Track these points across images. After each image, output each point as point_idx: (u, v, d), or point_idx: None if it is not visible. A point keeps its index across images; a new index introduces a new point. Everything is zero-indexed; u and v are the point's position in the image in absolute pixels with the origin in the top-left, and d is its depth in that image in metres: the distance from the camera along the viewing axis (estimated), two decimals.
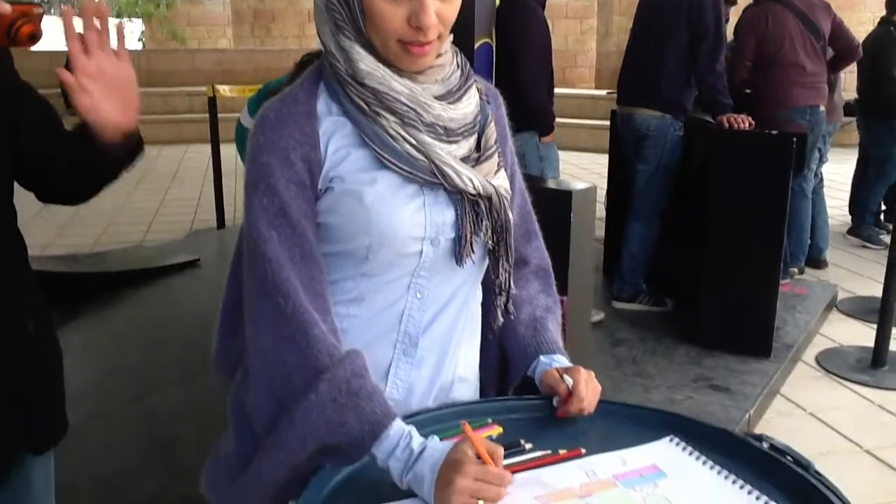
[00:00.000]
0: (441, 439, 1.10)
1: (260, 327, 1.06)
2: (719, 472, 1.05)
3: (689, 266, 3.93)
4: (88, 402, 3.07)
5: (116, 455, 2.78)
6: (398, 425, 1.02)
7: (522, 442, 1.14)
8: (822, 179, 5.11)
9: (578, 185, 2.66)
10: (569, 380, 1.19)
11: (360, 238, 1.10)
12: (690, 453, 1.10)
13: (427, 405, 1.21)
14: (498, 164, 1.19)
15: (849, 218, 6.07)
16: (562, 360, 1.27)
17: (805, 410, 3.41)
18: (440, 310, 1.19)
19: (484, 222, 1.16)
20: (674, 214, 4.08)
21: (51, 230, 6.11)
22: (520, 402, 1.25)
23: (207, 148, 6.25)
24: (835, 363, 3.87)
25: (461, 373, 1.26)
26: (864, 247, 5.82)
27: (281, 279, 1.05)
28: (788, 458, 1.08)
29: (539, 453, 1.11)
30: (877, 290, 4.81)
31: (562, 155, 4.57)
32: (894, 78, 5.31)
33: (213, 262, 4.80)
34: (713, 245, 3.68)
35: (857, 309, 4.60)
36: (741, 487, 1.02)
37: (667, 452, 1.11)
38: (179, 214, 6.80)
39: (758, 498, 0.99)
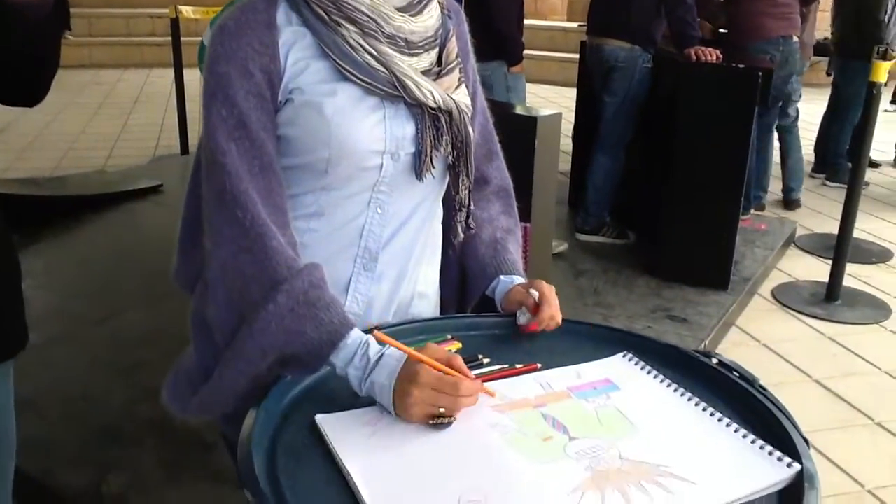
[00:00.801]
0: None
1: (218, 240, 1.06)
2: (669, 386, 1.09)
3: (653, 199, 3.97)
4: (51, 325, 3.06)
5: (79, 377, 2.78)
6: (356, 334, 1.03)
7: (480, 357, 1.17)
8: (797, 117, 5.14)
9: (543, 111, 2.66)
10: (535, 293, 1.21)
11: (319, 151, 1.10)
12: (643, 368, 1.14)
13: (387, 320, 1.23)
14: (459, 79, 1.19)
15: (812, 157, 6.14)
16: (519, 280, 1.29)
17: (759, 342, 3.51)
18: (400, 225, 1.20)
19: (444, 137, 1.16)
20: (639, 148, 4.10)
21: (10, 154, 5.97)
22: (479, 320, 1.27)
23: (170, 72, 6.11)
24: (790, 297, 3.97)
25: (421, 289, 1.27)
26: (823, 185, 5.91)
27: (239, 191, 1.04)
28: (735, 373, 1.12)
29: (496, 367, 1.14)
30: (834, 228, 4.92)
31: (530, 87, 4.55)
32: (880, 22, 5.31)
33: (176, 187, 4.74)
34: (676, 178, 3.72)
35: (815, 245, 4.70)
36: (689, 400, 1.05)
37: (620, 367, 1.15)
38: (142, 140, 6.67)
39: (704, 409, 1.03)
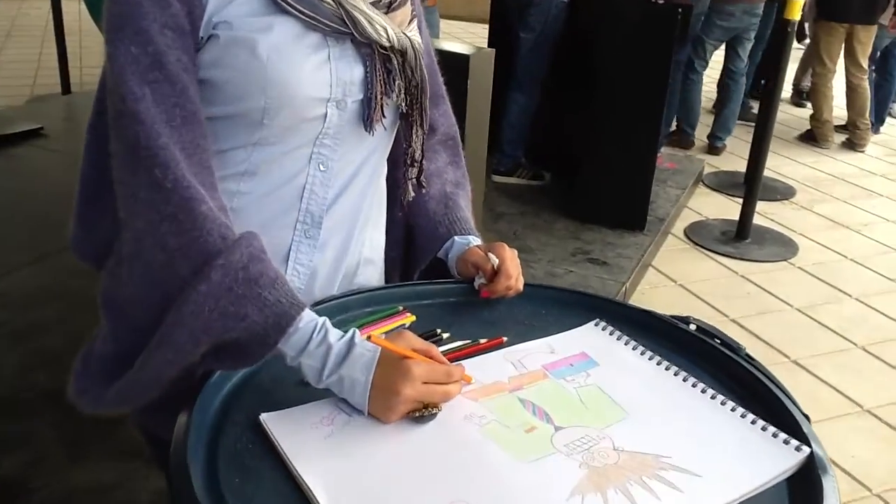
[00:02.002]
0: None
1: (134, 206, 0.87)
2: (651, 358, 0.99)
3: (568, 139, 3.89)
4: None
5: None
6: (309, 316, 0.88)
7: (439, 331, 1.04)
8: (747, 65, 5.14)
9: (475, 47, 2.50)
10: (494, 258, 1.09)
11: (253, 98, 0.92)
12: (619, 338, 1.04)
13: (332, 293, 1.08)
14: (412, 13, 1.03)
15: (714, 94, 6.20)
16: (476, 241, 1.16)
17: (675, 282, 3.53)
18: (346, 184, 1.04)
19: (396, 81, 1.01)
20: (554, 85, 4.00)
21: None
22: (433, 287, 1.14)
23: (46, 4, 5.57)
24: (702, 236, 4.00)
25: (368, 255, 1.13)
26: None
27: (158, 147, 0.86)
28: (717, 340, 1.03)
29: (459, 343, 1.02)
30: (739, 165, 5.00)
31: None
32: None
33: (59, 130, 4.35)
34: (593, 117, 3.64)
35: (722, 183, 4.76)
36: (675, 374, 0.96)
37: (594, 338, 1.04)
38: (17, 78, 6.11)
39: (694, 385, 0.94)
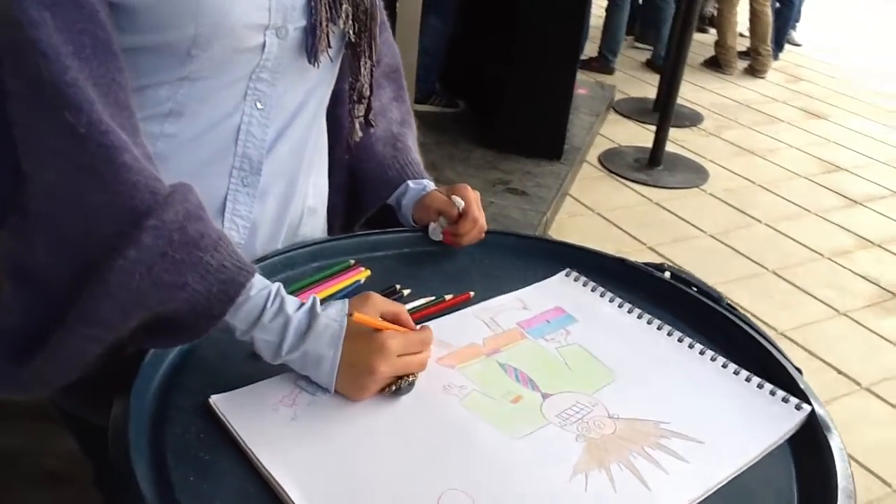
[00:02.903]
0: (293, 291, 0.87)
1: (40, 156, 0.72)
2: (630, 311, 0.92)
3: (483, 66, 3.78)
4: None
5: None
6: (260, 283, 0.76)
7: (398, 287, 0.94)
8: None
9: None
10: (459, 201, 0.98)
11: (180, 26, 0.77)
12: (593, 289, 0.96)
13: (275, 248, 0.96)
14: None
15: None
16: (432, 185, 1.06)
17: (593, 210, 3.51)
18: (287, 124, 0.91)
19: (343, 6, 0.87)
20: (469, 11, 3.84)
21: None
22: (385, 237, 1.03)
23: None
24: (616, 163, 3.99)
25: (312, 203, 1.01)
26: (633, 46, 5.99)
27: (65, 84, 0.70)
28: (694, 289, 0.97)
29: (422, 301, 0.92)
30: (646, 91, 5.01)
31: None
32: None
33: None
34: (510, 44, 3.52)
35: (632, 109, 4.76)
36: (659, 329, 0.89)
37: (566, 290, 0.96)
38: None
39: (680, 340, 0.88)
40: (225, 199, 0.88)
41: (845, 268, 3.21)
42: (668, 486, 0.68)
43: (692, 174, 3.98)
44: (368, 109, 1.00)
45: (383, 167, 1.06)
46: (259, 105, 0.87)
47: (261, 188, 0.90)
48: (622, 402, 0.78)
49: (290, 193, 0.94)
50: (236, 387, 0.75)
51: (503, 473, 0.68)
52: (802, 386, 0.81)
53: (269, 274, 0.92)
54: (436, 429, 0.72)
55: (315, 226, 1.03)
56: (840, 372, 2.57)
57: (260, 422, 0.71)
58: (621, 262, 1.01)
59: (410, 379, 0.76)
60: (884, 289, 3.08)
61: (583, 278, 0.98)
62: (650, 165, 3.96)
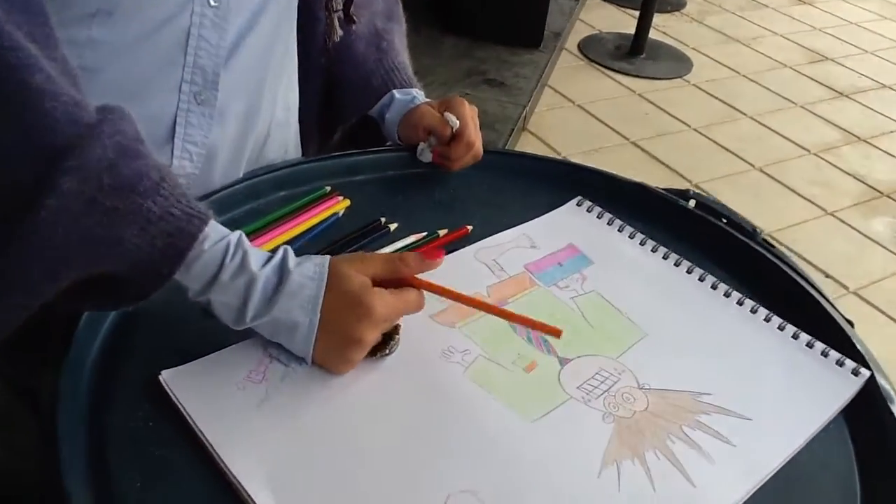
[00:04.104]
0: (258, 229, 0.73)
1: None
2: (654, 250, 0.79)
3: None
4: None
5: None
6: (217, 232, 0.61)
7: (383, 220, 0.80)
8: None
9: None
10: (454, 120, 0.83)
11: None
12: (609, 222, 0.83)
13: (236, 175, 0.80)
14: None
15: None
16: (422, 97, 0.90)
17: (573, 102, 3.34)
18: (249, 26, 0.74)
19: None
20: None
21: None
22: (365, 157, 0.88)
23: None
24: (597, 51, 3.79)
25: (280, 118, 0.84)
26: None
27: None
28: (723, 220, 0.85)
29: (413, 238, 0.78)
30: None
31: None
32: None
33: None
34: None
35: None
36: (689, 272, 0.77)
37: (578, 222, 0.83)
38: None
39: (714, 287, 0.75)
40: (174, 122, 0.72)
41: (832, 164, 3.11)
42: (716, 482, 0.57)
43: (676, 63, 3.79)
44: (349, 1, 0.83)
45: (366, 73, 0.89)
46: (213, 2, 0.70)
47: (219, 106, 0.74)
48: (653, 369, 0.66)
49: (254, 111, 0.78)
50: (194, 356, 0.62)
51: (519, 468, 0.57)
52: (859, 346, 0.70)
53: (229, 207, 0.77)
54: (437, 411, 0.60)
55: (282, 141, 0.87)
56: (827, 275, 2.50)
57: (221, 405, 0.58)
58: (641, 189, 0.88)
59: (395, 337, 0.63)
60: (871, 187, 2.99)
61: (597, 208, 0.84)
62: (632, 54, 3.76)
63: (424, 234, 0.79)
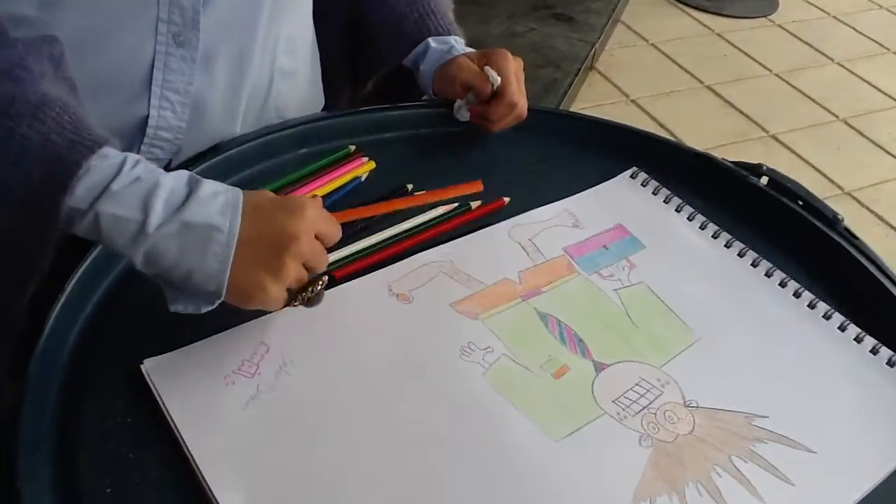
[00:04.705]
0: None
1: None
2: (716, 236, 0.69)
3: None
4: None
5: None
6: (113, 154, 0.51)
7: (410, 188, 0.72)
8: None
9: None
10: (495, 76, 0.74)
11: None
12: (667, 199, 0.73)
13: (232, 131, 0.72)
14: None
15: None
16: (461, 46, 0.80)
17: (647, 41, 3.15)
18: None
19: None
20: None
21: None
22: (394, 114, 0.79)
23: None
24: None
25: (286, 65, 0.75)
26: None
27: None
28: (799, 203, 0.74)
29: (441, 211, 0.70)
30: None
31: None
32: None
33: None
34: None
35: None
36: (754, 265, 0.67)
37: (631, 198, 0.73)
38: None
39: (783, 285, 0.65)
40: (152, 66, 0.64)
41: None
42: None
43: (760, 1, 3.54)
44: None
45: (396, 16, 0.80)
46: None
47: (203, 49, 0.65)
48: (702, 382, 0.57)
49: (248, 54, 0.69)
50: (184, 343, 0.55)
51: (536, 496, 0.49)
52: None
53: (240, 166, 0.70)
54: (449, 422, 0.52)
55: (293, 94, 0.78)
56: None
57: (206, 402, 0.52)
58: (707, 161, 0.77)
59: (321, 283, 0.55)
60: None
61: (653, 182, 0.74)
62: None
63: (455, 205, 0.70)
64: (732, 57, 3.15)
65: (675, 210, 0.72)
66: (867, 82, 3.08)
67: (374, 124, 0.78)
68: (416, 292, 0.60)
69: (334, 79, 0.84)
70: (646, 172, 0.75)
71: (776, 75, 3.06)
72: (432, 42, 0.79)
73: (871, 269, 0.67)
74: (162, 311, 0.54)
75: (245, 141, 0.70)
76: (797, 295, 0.64)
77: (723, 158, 0.77)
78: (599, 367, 0.57)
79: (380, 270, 0.62)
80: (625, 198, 0.73)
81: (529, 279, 0.63)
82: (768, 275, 0.66)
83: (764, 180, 0.76)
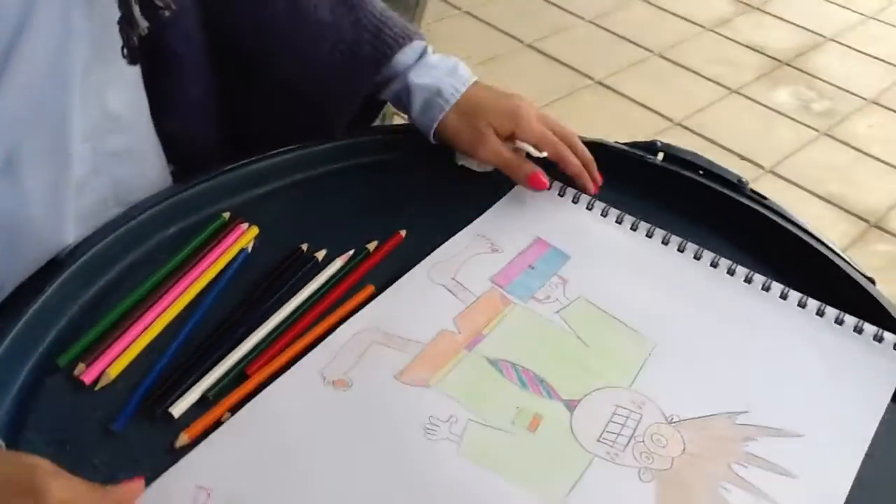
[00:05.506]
0: (141, 297, 0.57)
1: None
2: (634, 228, 0.67)
3: None
4: None
5: None
6: None
7: (305, 248, 0.64)
8: None
9: None
10: (535, 151, 0.67)
11: None
12: (575, 199, 0.69)
13: (65, 244, 0.61)
14: None
15: None
16: (442, 73, 0.70)
17: (461, 10, 3.14)
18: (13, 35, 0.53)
19: None
20: None
21: None
22: (265, 164, 0.70)
23: None
24: None
25: (116, 146, 0.64)
26: None
27: None
28: (700, 172, 0.72)
29: (340, 263, 0.62)
30: None
31: None
32: None
33: None
34: None
35: None
36: (680, 250, 0.65)
37: (540, 205, 0.69)
38: None
39: (714, 265, 0.64)
40: None
41: (729, 39, 3.04)
42: None
43: None
44: None
45: (348, 45, 0.68)
46: None
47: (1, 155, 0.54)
48: (675, 391, 0.54)
49: (62, 144, 0.57)
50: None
51: None
52: (888, 307, 0.60)
53: (99, 271, 0.60)
54: None
55: (136, 176, 0.66)
56: (743, 157, 2.46)
57: None
58: (600, 147, 0.74)
59: None
60: (770, 57, 2.94)
61: (556, 183, 0.70)
62: None
63: (351, 252, 0.63)
64: (545, 11, 3.20)
65: (587, 208, 0.68)
66: (673, 14, 3.21)
67: (246, 181, 0.69)
68: (353, 373, 0.53)
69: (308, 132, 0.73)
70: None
71: (589, 22, 3.14)
72: (413, 78, 0.69)
73: (787, 225, 0.66)
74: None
75: (97, 241, 0.60)
76: (731, 272, 0.63)
77: (615, 142, 0.75)
78: (571, 406, 0.53)
79: (304, 359, 0.54)
80: (533, 205, 0.69)
81: (467, 324, 0.58)
82: (697, 257, 0.64)
83: (660, 156, 0.73)
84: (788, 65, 2.90)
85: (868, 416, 0.53)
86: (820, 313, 0.60)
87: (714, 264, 0.63)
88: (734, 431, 0.52)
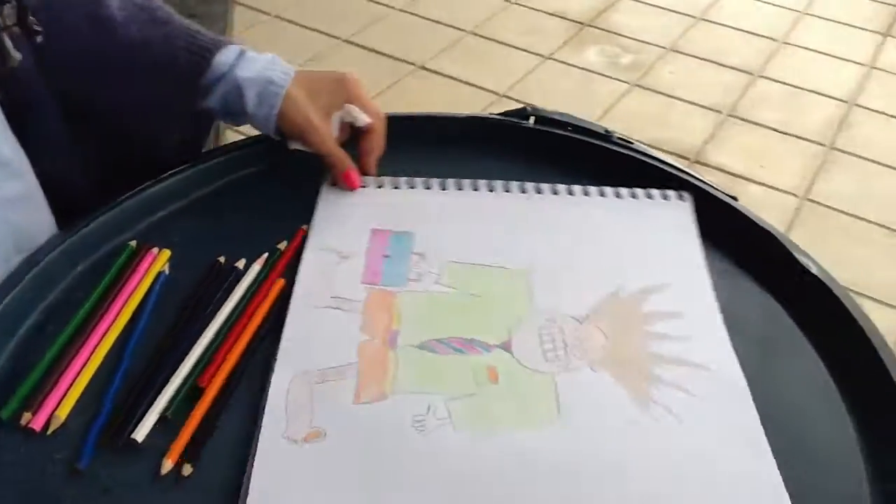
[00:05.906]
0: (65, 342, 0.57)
1: None
2: (460, 188, 0.73)
3: None
4: None
5: None
6: None
7: (222, 261, 0.65)
8: None
9: None
10: (363, 117, 0.70)
11: None
12: (411, 185, 0.73)
13: None
14: None
15: None
16: (265, 65, 0.71)
17: (270, 14, 3.11)
18: None
19: None
20: None
21: None
22: (160, 187, 0.70)
23: None
24: None
25: (10, 193, 0.63)
26: None
27: None
28: (570, 128, 0.79)
29: (258, 267, 0.64)
30: None
31: None
32: None
33: None
34: None
35: None
36: (507, 191, 0.73)
37: (360, 199, 0.71)
38: None
39: (538, 192, 0.73)
40: None
41: (533, 8, 3.20)
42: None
43: None
44: (24, 9, 0.59)
45: (161, 57, 0.68)
46: None
47: None
48: (568, 297, 0.62)
49: None
50: None
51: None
52: (757, 221, 0.69)
53: (18, 319, 0.59)
54: (479, 489, 0.50)
55: (35, 223, 0.65)
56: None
57: None
58: (477, 120, 0.79)
59: None
60: (572, 20, 3.13)
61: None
62: None
63: (266, 254, 0.66)
64: (356, 5, 3.23)
65: (410, 187, 0.72)
66: None
67: (146, 207, 0.69)
68: (317, 422, 0.53)
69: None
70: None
71: (401, 10, 3.20)
72: (239, 74, 0.69)
73: (651, 161, 0.75)
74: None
75: (8, 291, 0.58)
76: (555, 192, 0.72)
77: (490, 113, 0.80)
78: (507, 347, 0.58)
79: (261, 435, 0.52)
80: (346, 202, 0.71)
81: (375, 329, 0.60)
82: (523, 190, 0.73)
83: (531, 121, 0.80)
84: (591, 25, 3.09)
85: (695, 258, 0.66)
86: (634, 196, 0.72)
87: (538, 191, 0.72)
88: (629, 305, 0.62)
